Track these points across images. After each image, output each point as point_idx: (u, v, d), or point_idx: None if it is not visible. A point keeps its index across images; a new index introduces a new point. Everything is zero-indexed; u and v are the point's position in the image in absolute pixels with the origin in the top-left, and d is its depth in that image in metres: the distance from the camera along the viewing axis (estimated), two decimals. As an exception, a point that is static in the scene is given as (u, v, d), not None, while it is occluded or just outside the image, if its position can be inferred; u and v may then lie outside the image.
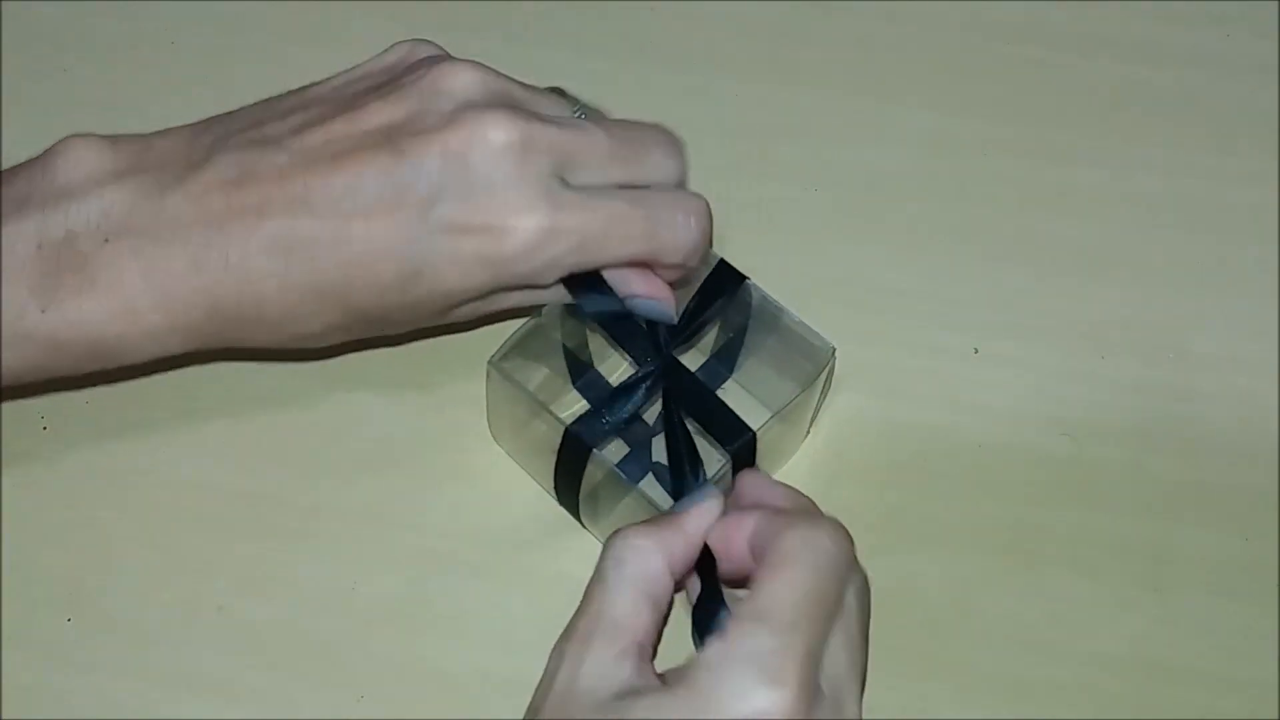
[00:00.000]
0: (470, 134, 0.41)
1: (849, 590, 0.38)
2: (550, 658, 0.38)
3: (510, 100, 0.43)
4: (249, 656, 0.45)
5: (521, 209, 0.41)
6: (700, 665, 0.36)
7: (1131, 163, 0.56)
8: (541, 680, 0.38)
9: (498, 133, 0.41)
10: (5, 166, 0.42)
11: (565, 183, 0.42)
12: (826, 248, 0.53)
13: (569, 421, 0.44)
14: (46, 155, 0.43)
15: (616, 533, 0.40)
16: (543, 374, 0.47)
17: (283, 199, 0.41)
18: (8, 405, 0.48)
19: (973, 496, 0.49)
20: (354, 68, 0.45)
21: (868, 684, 0.38)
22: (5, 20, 0.56)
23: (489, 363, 0.45)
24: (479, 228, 0.41)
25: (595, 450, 0.44)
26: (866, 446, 0.49)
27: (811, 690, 0.35)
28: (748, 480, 0.43)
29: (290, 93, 0.45)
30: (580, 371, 0.49)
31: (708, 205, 0.45)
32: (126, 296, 0.41)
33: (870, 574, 0.47)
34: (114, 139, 0.43)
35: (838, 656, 0.37)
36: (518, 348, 0.45)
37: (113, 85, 0.56)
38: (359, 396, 0.49)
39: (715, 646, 0.36)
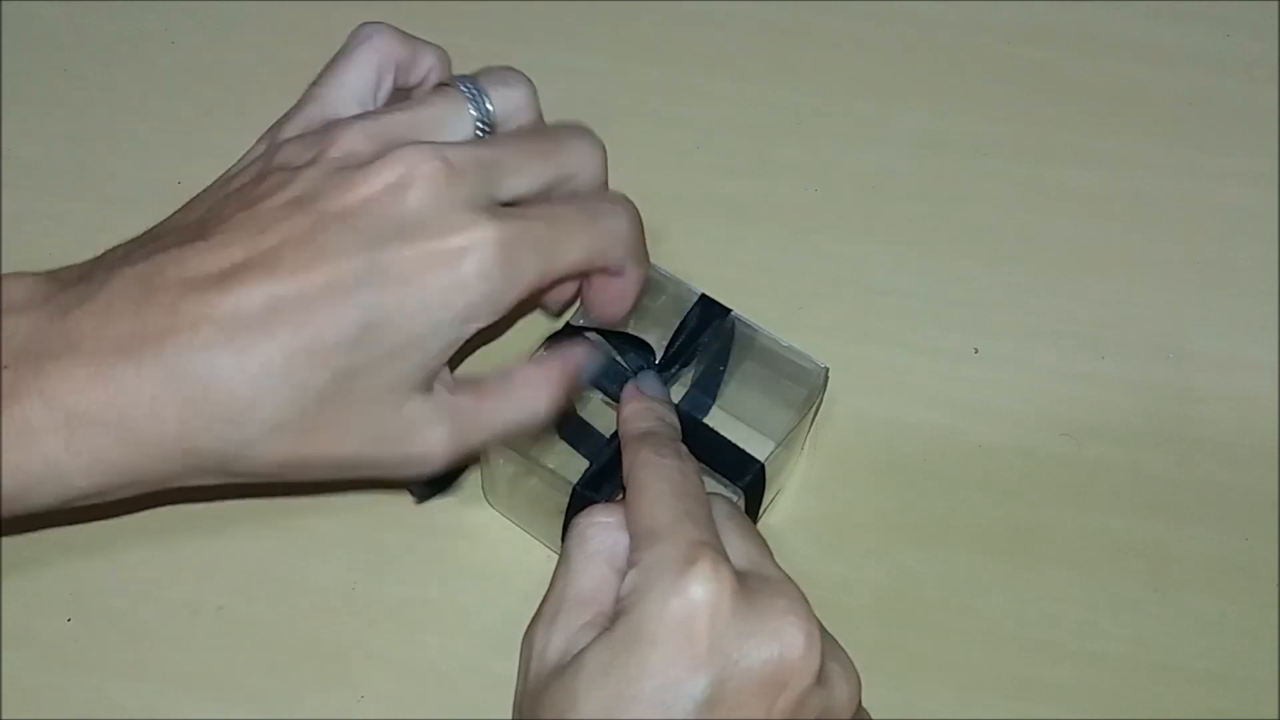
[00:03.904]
0: (386, 182, 0.38)
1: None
2: (521, 647, 0.38)
3: (403, 135, 0.40)
4: (249, 656, 0.45)
5: (467, 226, 0.38)
6: (625, 598, 0.36)
7: (1131, 163, 0.56)
8: (518, 673, 0.38)
9: (416, 170, 0.38)
10: (5, 165, 0.41)
11: (496, 199, 0.40)
12: (826, 248, 0.54)
13: (575, 481, 0.43)
14: None
15: (580, 514, 0.40)
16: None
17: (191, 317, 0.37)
18: (8, 405, 0.48)
19: (973, 496, 0.49)
20: (226, 174, 0.42)
21: (868, 684, 0.38)
22: (5, 20, 0.56)
23: None
24: (430, 258, 0.38)
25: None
26: (866, 447, 0.50)
27: (725, 560, 0.36)
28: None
29: (191, 203, 0.42)
30: (564, 420, 0.47)
31: (631, 201, 0.43)
32: (24, 418, 0.36)
33: (870, 574, 0.47)
34: (52, 272, 0.39)
35: (732, 540, 0.38)
36: None
37: (113, 85, 0.56)
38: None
39: (628, 577, 0.37)
